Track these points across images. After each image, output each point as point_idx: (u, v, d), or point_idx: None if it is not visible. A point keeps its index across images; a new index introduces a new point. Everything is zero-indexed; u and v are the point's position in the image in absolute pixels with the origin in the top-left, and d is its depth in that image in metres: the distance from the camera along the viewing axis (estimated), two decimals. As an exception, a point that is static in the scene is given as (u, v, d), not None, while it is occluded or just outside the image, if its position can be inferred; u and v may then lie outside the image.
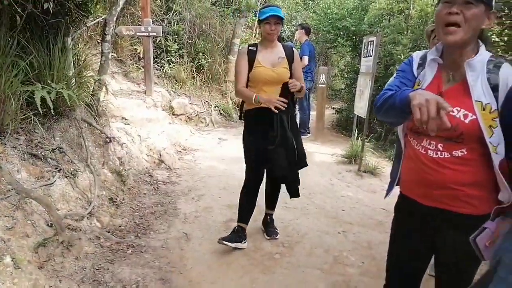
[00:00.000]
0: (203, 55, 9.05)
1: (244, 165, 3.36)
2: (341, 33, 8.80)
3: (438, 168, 1.61)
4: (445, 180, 1.60)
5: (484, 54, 1.58)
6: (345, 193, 4.88)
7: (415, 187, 1.74)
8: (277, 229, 3.65)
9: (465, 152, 1.57)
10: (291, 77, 3.19)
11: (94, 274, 2.80)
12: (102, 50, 4.29)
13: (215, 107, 8.66)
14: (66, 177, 3.42)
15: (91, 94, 4.21)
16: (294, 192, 3.23)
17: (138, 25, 7.23)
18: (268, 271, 3.05)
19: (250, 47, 3.23)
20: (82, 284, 2.68)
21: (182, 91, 8.38)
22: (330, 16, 9.02)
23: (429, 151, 1.64)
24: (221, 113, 8.75)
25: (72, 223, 3.14)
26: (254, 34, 10.88)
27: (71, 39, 4.00)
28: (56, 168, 3.35)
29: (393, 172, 1.92)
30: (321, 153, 6.52)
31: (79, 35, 4.72)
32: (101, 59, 4.29)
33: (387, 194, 1.95)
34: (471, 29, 1.51)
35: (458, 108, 1.55)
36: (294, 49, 3.34)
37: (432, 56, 1.68)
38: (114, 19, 4.35)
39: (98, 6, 5.05)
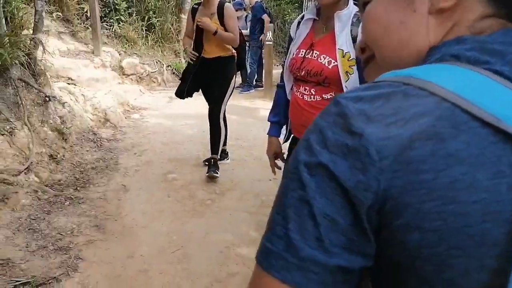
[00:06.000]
0: (154, 14, 8.92)
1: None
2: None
3: (312, 110, 1.85)
4: None
5: (351, 8, 1.79)
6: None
7: (301, 129, 1.98)
8: (216, 170, 3.89)
9: (333, 95, 1.81)
10: (225, 31, 3.65)
11: (30, 224, 2.97)
12: (35, 8, 4.25)
13: (167, 66, 8.65)
14: (2, 134, 3.50)
15: (27, 54, 4.20)
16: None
17: (82, -18, 7.06)
18: (198, 216, 3.30)
19: (194, 6, 3.84)
20: (18, 232, 2.86)
21: (133, 50, 8.30)
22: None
23: (304, 95, 1.87)
24: (173, 73, 8.76)
25: (8, 177, 3.26)
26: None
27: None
28: (-10, 126, 3.43)
29: (277, 116, 2.16)
30: (267, 109, 6.70)
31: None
32: (35, 17, 4.26)
33: (286, 139, 2.23)
34: None
35: (325, 55, 1.77)
36: (227, 4, 3.72)
37: (308, 16, 1.89)
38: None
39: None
